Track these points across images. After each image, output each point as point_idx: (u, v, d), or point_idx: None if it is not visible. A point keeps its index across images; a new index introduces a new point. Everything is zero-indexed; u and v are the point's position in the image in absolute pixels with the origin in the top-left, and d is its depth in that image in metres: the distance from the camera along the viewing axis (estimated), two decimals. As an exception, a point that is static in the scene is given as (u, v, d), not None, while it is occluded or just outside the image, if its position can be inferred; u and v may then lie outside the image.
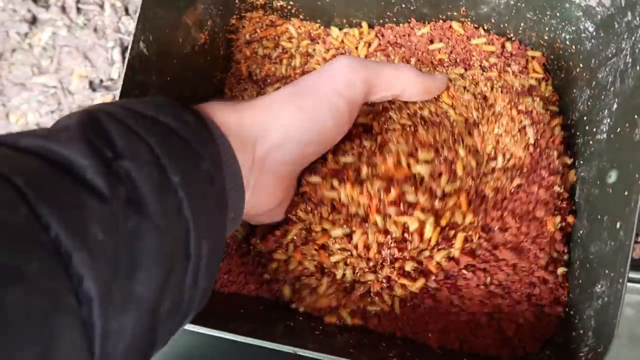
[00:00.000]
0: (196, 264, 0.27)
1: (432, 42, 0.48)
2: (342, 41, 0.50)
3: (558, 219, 0.39)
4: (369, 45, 0.49)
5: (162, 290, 0.25)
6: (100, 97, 0.57)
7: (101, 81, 0.57)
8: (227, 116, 0.32)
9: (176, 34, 0.41)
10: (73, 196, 0.22)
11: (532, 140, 0.40)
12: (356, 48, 0.50)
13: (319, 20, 0.51)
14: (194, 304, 0.28)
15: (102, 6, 0.58)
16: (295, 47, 0.51)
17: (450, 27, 0.48)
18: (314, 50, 0.50)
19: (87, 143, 0.24)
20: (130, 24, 0.58)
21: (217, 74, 0.49)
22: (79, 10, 0.58)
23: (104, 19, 0.58)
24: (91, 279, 0.21)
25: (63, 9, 0.59)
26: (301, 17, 0.51)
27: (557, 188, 0.40)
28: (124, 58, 0.58)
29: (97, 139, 0.25)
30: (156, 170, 0.25)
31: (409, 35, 0.49)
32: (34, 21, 0.58)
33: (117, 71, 0.57)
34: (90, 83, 0.57)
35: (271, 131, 0.33)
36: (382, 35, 0.50)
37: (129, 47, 0.36)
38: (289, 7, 0.50)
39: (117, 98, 0.64)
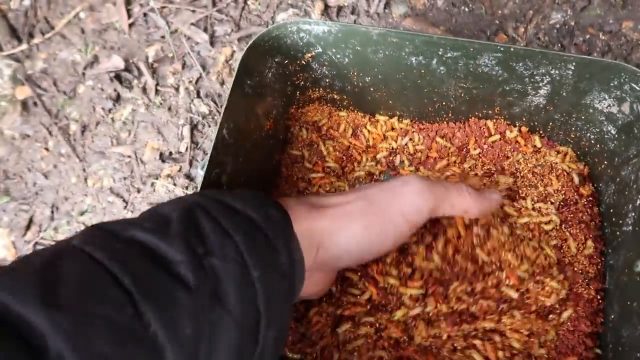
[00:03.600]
0: (262, 348, 0.30)
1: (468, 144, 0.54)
2: (385, 136, 0.57)
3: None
4: (412, 140, 0.56)
5: None
6: (168, 168, 0.64)
7: (170, 153, 0.65)
8: (301, 218, 0.35)
9: (250, 122, 0.48)
10: (168, 291, 0.26)
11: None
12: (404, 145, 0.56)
13: (366, 111, 0.58)
14: None
15: (177, 89, 0.67)
16: (341, 135, 0.57)
17: (486, 124, 0.54)
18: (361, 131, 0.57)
19: (185, 241, 0.28)
20: (200, 106, 0.66)
21: (276, 155, 0.56)
22: (157, 91, 0.67)
23: (178, 100, 0.66)
24: None
25: (144, 89, 0.67)
26: (351, 108, 0.58)
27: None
28: (192, 135, 0.66)
29: (193, 236, 0.29)
30: (239, 267, 0.29)
31: (444, 133, 0.55)
32: (117, 99, 0.67)
33: (185, 145, 0.65)
34: (161, 155, 0.64)
35: (335, 243, 0.36)
36: (420, 129, 0.56)
37: (215, 133, 0.42)
38: (342, 99, 0.57)
39: (183, 169, 0.71)
